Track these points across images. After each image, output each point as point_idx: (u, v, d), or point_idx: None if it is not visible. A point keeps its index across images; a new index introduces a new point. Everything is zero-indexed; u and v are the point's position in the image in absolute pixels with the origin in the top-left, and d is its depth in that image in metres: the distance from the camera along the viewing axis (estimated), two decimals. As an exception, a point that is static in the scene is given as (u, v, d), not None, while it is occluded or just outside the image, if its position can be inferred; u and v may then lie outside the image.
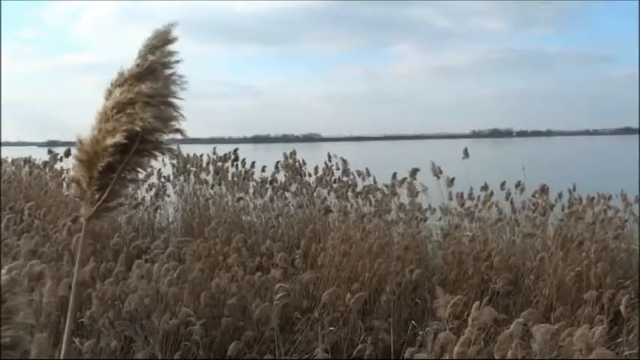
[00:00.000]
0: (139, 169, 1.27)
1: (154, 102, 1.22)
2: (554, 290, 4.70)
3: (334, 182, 7.33)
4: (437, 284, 4.52)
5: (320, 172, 7.68)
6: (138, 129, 1.21)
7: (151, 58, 1.24)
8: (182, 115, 1.24)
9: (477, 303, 3.04)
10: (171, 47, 1.25)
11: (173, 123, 1.24)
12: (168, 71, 1.25)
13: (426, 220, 6.06)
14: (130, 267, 4.30)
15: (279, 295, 3.98)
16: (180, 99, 1.24)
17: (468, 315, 3.05)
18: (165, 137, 1.24)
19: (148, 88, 1.22)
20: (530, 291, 4.87)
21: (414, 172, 6.57)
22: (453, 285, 4.89)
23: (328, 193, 7.15)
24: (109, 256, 4.94)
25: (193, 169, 7.70)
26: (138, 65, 1.25)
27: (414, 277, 4.80)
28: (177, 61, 1.25)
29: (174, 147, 1.56)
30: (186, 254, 4.58)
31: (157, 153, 1.26)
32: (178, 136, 1.25)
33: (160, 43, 1.24)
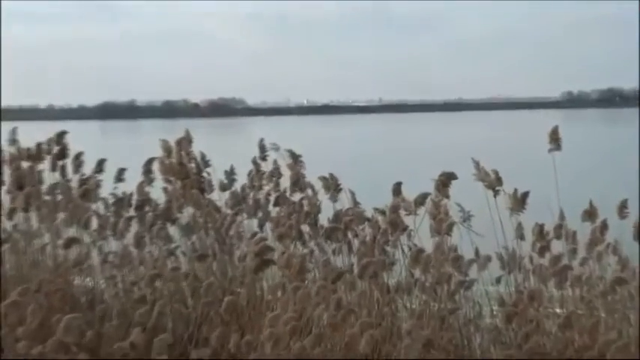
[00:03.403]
0: None
1: None
2: None
3: (274, 203, 6.97)
4: None
5: (243, 181, 7.31)
6: None
7: None
8: None
9: None
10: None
11: None
12: None
13: (469, 284, 5.76)
14: None
15: None
16: None
17: None
18: None
19: None
20: None
21: (444, 180, 5.96)
22: None
23: (261, 227, 6.81)
24: None
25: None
26: None
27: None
28: None
29: None
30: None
31: None
32: None
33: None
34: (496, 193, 6.13)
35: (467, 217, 6.13)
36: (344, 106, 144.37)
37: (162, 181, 7.16)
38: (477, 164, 6.09)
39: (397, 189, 6.32)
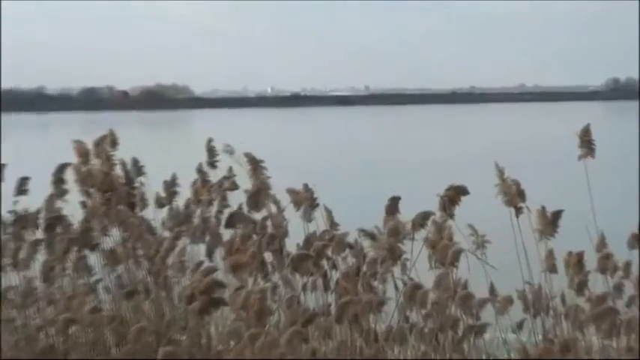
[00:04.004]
0: None
1: None
2: None
3: (227, 223, 6.95)
4: None
5: (187, 195, 7.48)
6: None
7: None
8: None
9: None
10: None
11: None
12: None
13: (481, 330, 5.78)
14: None
15: None
16: None
17: None
18: None
19: None
20: None
21: (453, 196, 6.00)
22: None
23: (209, 255, 6.83)
24: None
25: None
26: None
27: None
28: None
29: None
30: None
31: None
32: None
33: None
34: (518, 211, 6.07)
35: (480, 244, 6.07)
36: (319, 96, 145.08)
37: (80, 193, 7.07)
38: (500, 172, 6.07)
39: (393, 205, 6.23)
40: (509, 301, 6.19)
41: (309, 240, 6.54)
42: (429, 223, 6.13)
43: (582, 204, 6.61)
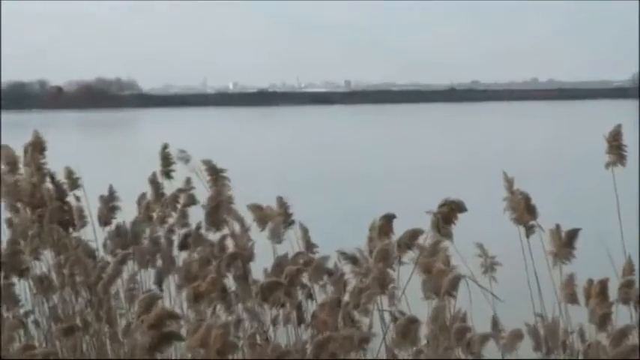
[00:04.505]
0: None
1: None
2: None
3: (181, 245, 7.18)
4: None
5: (134, 211, 7.54)
6: None
7: None
8: None
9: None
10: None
11: None
12: None
13: None
14: None
15: None
16: None
17: None
18: None
19: None
20: None
21: (448, 213, 6.00)
22: None
23: (160, 282, 7.08)
24: None
25: None
26: None
27: None
28: None
29: None
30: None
31: None
32: None
33: None
34: (529, 230, 6.14)
35: (489, 267, 6.16)
36: (291, 92, 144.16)
37: (5, 209, 7.04)
38: (509, 183, 6.12)
39: (386, 225, 6.26)
40: (517, 336, 6.18)
41: (279, 264, 6.51)
42: (423, 243, 6.09)
43: (608, 221, 6.73)
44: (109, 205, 7.51)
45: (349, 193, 24.67)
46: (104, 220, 7.48)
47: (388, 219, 6.35)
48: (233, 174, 7.06)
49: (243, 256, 6.67)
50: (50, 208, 7.15)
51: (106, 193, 7.58)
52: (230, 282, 6.64)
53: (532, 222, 6.31)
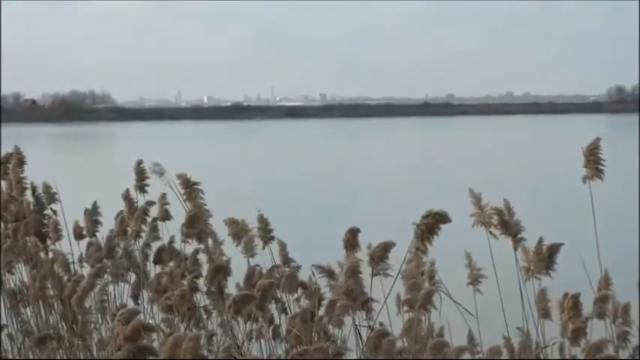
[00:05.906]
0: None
1: None
2: None
3: (155, 258, 7.15)
4: None
5: (110, 225, 7.46)
6: None
7: None
8: None
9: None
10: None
11: None
12: None
13: None
14: None
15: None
16: None
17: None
18: None
19: None
20: None
21: (432, 225, 5.84)
22: None
23: (135, 296, 7.05)
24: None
25: None
26: None
27: None
28: None
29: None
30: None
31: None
32: None
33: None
34: (516, 243, 6.16)
35: (476, 279, 6.15)
36: (266, 106, 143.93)
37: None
38: (476, 198, 6.09)
39: (352, 238, 6.19)
40: (494, 351, 6.13)
41: (251, 276, 6.51)
42: (406, 255, 5.98)
43: (584, 235, 6.68)
44: (93, 218, 7.47)
45: (322, 207, 24.65)
46: (87, 233, 7.45)
47: (353, 233, 6.30)
48: (208, 188, 6.98)
49: (216, 270, 6.62)
50: (26, 221, 7.09)
51: (81, 207, 7.50)
52: (201, 296, 6.64)
53: (520, 235, 6.24)
